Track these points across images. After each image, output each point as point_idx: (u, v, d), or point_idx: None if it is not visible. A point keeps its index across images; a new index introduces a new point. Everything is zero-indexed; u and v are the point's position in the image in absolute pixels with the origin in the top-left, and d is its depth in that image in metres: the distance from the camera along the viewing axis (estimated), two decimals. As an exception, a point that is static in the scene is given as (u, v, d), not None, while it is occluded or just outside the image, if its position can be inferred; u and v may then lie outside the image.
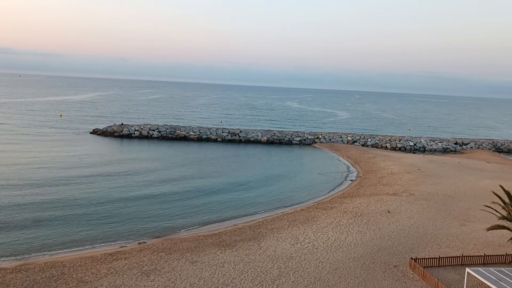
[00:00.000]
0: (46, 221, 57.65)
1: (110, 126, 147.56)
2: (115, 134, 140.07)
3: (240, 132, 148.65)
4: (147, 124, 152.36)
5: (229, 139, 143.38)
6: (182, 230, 57.74)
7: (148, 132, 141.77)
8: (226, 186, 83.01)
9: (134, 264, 43.82)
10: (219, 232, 56.08)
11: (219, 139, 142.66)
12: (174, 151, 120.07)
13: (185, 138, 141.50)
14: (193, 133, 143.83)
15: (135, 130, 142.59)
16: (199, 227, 59.40)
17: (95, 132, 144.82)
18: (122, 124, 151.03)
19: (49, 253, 48.24)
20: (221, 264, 43.77)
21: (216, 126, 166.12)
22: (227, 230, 57.08)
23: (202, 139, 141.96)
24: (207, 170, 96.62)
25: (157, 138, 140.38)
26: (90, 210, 63.38)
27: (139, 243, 51.99)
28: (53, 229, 55.09)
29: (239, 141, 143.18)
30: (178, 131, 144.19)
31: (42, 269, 42.40)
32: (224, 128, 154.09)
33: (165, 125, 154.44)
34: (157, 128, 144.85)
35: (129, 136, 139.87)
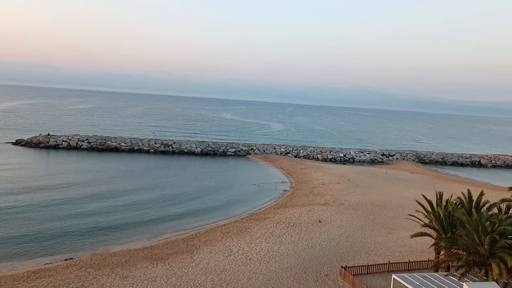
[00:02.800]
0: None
1: (36, 137, 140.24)
2: (41, 145, 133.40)
3: (174, 143, 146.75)
4: (76, 135, 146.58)
5: (162, 151, 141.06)
6: (112, 245, 55.83)
7: (77, 143, 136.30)
8: (159, 198, 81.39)
9: (60, 281, 41.71)
10: (151, 246, 54.80)
11: (151, 150, 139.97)
12: (105, 163, 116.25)
13: (116, 149, 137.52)
14: (125, 144, 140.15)
15: (63, 141, 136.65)
16: (130, 241, 57.70)
17: (18, 143, 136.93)
18: (48, 134, 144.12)
19: (-36, 273, 44.81)
20: (153, 279, 42.71)
21: (148, 137, 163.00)
22: (159, 244, 55.90)
23: (134, 150, 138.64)
24: (139, 182, 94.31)
25: (87, 149, 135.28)
26: (12, 227, 59.69)
27: (65, 260, 49.54)
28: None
29: (173, 153, 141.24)
30: (109, 142, 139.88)
31: (-44, 290, 39.32)
32: (157, 139, 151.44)
33: (95, 135, 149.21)
34: (87, 139, 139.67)
35: (56, 147, 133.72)
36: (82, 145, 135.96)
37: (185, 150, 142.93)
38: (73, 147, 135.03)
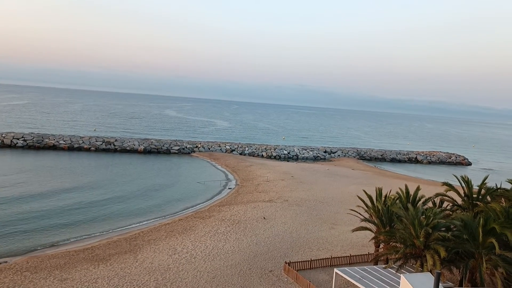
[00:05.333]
0: None
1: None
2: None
3: (116, 140, 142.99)
4: (10, 132, 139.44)
5: (104, 148, 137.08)
6: (50, 246, 53.69)
7: (11, 141, 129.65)
8: (100, 197, 79.04)
9: (-7, 286, 39.63)
10: (92, 246, 53.18)
11: (92, 148, 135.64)
12: (42, 162, 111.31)
13: (54, 147, 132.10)
14: (64, 142, 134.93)
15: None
16: (69, 242, 55.76)
17: None
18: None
19: None
20: (94, 280, 41.48)
21: (89, 135, 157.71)
22: (100, 244, 54.37)
23: (73, 148, 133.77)
24: (78, 181, 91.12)
25: (22, 147, 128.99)
26: None
27: (-1, 263, 47.12)
28: None
29: (115, 150, 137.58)
30: (47, 140, 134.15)
31: None
32: (98, 137, 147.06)
33: (32, 133, 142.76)
34: (22, 137, 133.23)
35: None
36: (17, 143, 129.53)
37: (128, 148, 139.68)
38: (7, 145, 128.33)
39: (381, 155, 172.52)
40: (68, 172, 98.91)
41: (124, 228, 62.91)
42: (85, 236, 58.23)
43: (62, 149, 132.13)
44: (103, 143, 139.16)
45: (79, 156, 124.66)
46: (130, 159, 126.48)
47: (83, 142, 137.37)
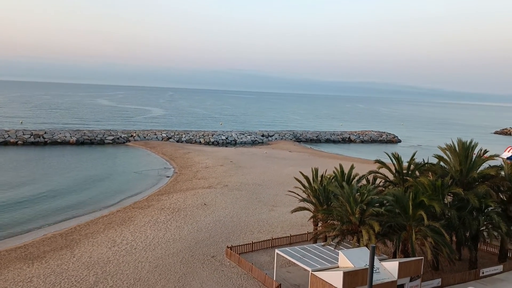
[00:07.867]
0: None
1: None
2: None
3: (45, 133, 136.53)
4: None
5: (32, 142, 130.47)
6: (-21, 248, 50.71)
7: None
8: (32, 192, 75.33)
9: None
10: (24, 245, 50.80)
11: (20, 142, 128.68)
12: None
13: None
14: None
15: None
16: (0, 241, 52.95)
17: None
18: None
19: None
20: (28, 280, 39.74)
21: (15, 128, 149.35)
22: (34, 241, 52.06)
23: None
24: (7, 176, 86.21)
25: None
26: None
27: None
28: None
29: (45, 143, 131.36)
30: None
31: None
32: (25, 130, 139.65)
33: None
34: None
35: None
36: None
37: (59, 140, 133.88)
38: None
39: (316, 137, 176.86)
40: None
41: (59, 223, 60.58)
42: (17, 234, 55.54)
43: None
44: (32, 136, 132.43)
45: (5, 150, 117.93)
46: (62, 151, 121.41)
47: (9, 136, 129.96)
